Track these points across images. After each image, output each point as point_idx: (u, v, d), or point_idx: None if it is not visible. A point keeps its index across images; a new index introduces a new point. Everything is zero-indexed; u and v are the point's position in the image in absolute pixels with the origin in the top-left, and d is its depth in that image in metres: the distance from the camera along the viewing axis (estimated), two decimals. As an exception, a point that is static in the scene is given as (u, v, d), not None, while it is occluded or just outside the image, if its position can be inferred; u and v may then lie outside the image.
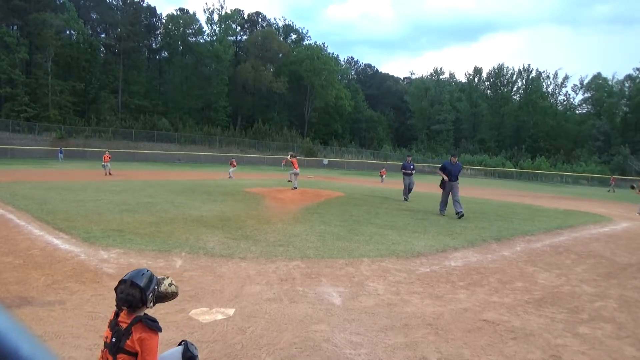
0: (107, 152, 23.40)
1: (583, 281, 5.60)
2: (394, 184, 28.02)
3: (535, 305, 4.51)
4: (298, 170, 15.83)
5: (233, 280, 4.85)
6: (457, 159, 11.61)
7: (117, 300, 2.15)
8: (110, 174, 21.38)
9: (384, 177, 31.09)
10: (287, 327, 3.61)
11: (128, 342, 2.06)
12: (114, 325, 2.14)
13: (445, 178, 11.20)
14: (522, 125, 70.08)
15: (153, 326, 2.10)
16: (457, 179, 11.19)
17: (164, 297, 2.34)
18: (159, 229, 7.39)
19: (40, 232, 6.86)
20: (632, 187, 15.71)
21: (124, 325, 2.11)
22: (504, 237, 8.37)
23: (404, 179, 15.00)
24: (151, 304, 2.20)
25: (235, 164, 25.56)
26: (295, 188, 15.11)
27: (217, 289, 4.52)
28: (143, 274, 2.18)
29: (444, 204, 11.32)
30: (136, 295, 2.11)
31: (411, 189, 14.96)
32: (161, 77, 65.95)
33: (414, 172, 15.10)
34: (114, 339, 2.09)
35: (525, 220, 11.26)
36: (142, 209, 9.62)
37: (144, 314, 2.18)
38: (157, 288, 2.25)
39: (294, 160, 15.97)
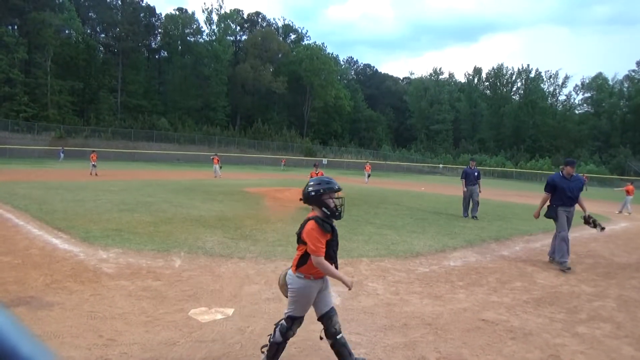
0: (94, 152, 22.54)
1: (582, 281, 5.61)
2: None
3: (534, 305, 4.52)
4: None
5: (232, 280, 4.84)
6: (574, 168, 6.59)
7: None
8: (96, 174, 20.67)
9: (369, 173, 28.43)
10: (286, 326, 3.61)
11: (302, 233, 2.65)
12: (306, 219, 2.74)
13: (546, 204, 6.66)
14: (521, 125, 70.08)
15: (321, 224, 2.60)
16: (578, 200, 6.61)
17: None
18: (157, 229, 7.39)
19: (39, 232, 6.85)
20: None
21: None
22: (502, 237, 8.39)
23: (465, 189, 11.62)
24: (321, 207, 2.70)
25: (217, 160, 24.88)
26: None
27: (216, 288, 4.52)
28: (314, 182, 2.78)
29: (561, 244, 6.35)
30: (304, 193, 2.76)
31: (477, 203, 11.46)
32: (160, 77, 65.89)
33: (479, 181, 11.69)
34: (298, 229, 2.73)
35: (524, 220, 11.27)
36: (140, 209, 9.61)
37: (320, 216, 2.68)
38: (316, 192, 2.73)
39: (315, 173, 12.38)
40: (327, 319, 2.75)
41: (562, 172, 6.69)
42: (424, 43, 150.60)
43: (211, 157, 25.99)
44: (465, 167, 12.27)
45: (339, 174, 40.57)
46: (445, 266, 6.00)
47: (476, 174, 11.70)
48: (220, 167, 24.55)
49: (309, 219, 2.68)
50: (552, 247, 6.64)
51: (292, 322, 2.75)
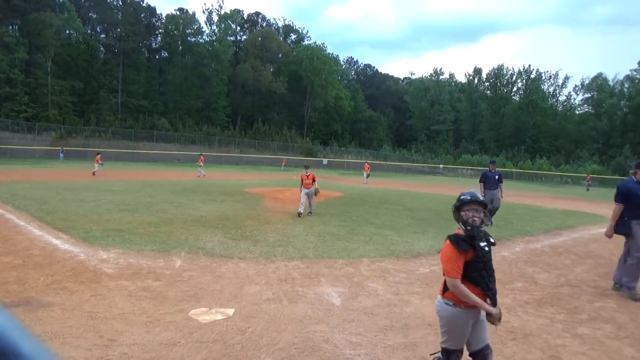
0: (98, 154, 22.80)
1: (582, 282, 5.61)
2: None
3: (534, 305, 4.52)
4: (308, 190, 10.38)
5: (232, 280, 4.84)
6: None
7: None
8: (93, 174, 20.90)
9: (368, 174, 28.16)
10: (287, 327, 3.61)
11: (440, 252, 2.53)
12: None
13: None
14: (521, 125, 70.10)
15: (456, 242, 2.41)
16: None
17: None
18: (158, 229, 7.39)
19: (39, 232, 6.85)
20: None
21: None
22: (503, 238, 8.37)
23: (484, 193, 10.24)
24: (459, 223, 2.51)
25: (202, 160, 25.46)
26: (300, 214, 9.98)
27: (216, 289, 4.52)
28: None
29: (634, 267, 5.23)
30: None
31: (496, 209, 10.59)
32: (161, 77, 65.90)
33: (501, 184, 10.69)
34: None
35: (525, 220, 11.27)
36: (141, 209, 9.61)
37: (459, 233, 2.50)
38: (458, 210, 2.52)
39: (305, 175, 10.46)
40: (480, 357, 2.48)
41: (635, 176, 5.39)
42: (425, 43, 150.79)
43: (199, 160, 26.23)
44: (485, 169, 11.14)
45: (339, 174, 40.56)
46: (445, 267, 5.98)
47: (497, 177, 10.63)
48: (199, 167, 24.89)
49: (448, 236, 2.49)
50: (619, 270, 5.39)
51: (448, 356, 2.49)
